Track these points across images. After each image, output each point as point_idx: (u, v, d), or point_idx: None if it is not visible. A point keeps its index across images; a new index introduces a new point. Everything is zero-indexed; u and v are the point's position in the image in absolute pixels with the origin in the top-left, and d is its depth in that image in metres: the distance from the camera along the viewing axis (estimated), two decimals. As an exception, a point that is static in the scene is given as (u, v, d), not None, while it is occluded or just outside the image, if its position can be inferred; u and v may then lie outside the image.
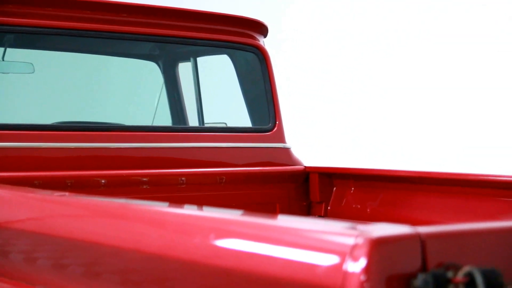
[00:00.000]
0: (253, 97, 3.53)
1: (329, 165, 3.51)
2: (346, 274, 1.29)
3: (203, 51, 3.64)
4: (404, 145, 5.58)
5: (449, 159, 5.29)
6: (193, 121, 3.78)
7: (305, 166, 3.43)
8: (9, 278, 2.22)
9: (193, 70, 3.69)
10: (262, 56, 3.43)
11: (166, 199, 2.97)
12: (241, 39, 3.38)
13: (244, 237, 1.57)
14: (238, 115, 3.62)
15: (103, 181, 2.86)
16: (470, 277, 1.30)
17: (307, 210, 3.40)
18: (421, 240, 1.34)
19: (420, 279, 1.30)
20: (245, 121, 3.51)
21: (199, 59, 3.69)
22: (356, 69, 5.90)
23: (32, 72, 3.71)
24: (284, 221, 1.84)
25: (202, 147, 3.21)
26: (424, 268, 1.33)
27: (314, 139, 6.03)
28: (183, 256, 1.66)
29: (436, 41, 5.43)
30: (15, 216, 2.28)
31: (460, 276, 1.31)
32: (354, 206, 3.29)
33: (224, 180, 3.17)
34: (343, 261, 1.31)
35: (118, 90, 6.60)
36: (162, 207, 2.17)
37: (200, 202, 3.06)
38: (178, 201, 2.97)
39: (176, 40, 3.29)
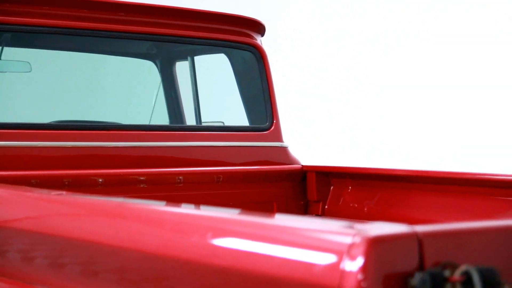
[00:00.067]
0: (251, 96, 3.53)
1: (326, 164, 3.51)
2: (343, 273, 1.30)
3: (200, 50, 3.64)
4: (401, 144, 5.59)
5: (446, 157, 5.29)
6: (190, 120, 3.77)
7: (302, 165, 3.43)
8: (7, 277, 2.21)
9: (190, 69, 3.69)
10: (259, 55, 3.43)
11: (164, 198, 2.96)
12: (238, 38, 3.38)
13: (241, 236, 1.57)
14: (236, 114, 3.62)
15: (100, 180, 2.85)
16: (467, 276, 1.31)
17: (304, 209, 3.41)
18: (418, 239, 1.34)
19: (417, 278, 1.30)
20: (243, 120, 3.51)
21: (196, 58, 3.69)
22: (353, 67, 5.90)
23: (29, 71, 3.71)
24: (282, 220, 1.84)
25: (200, 146, 3.21)
26: (421, 267, 1.33)
27: (311, 138, 6.03)
28: (181, 255, 1.66)
29: (434, 40, 5.43)
30: (12, 215, 2.28)
31: (457, 275, 1.31)
32: (351, 205, 3.29)
33: (221, 179, 3.17)
34: (340, 260, 1.31)
35: (115, 89, 6.60)
36: (160, 206, 2.17)
37: (198, 201, 3.06)
38: (175, 200, 2.97)
39: (174, 39, 3.29)
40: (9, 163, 2.72)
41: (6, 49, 3.09)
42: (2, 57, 3.19)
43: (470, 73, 5.25)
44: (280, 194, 3.34)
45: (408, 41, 5.57)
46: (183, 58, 3.75)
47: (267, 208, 3.29)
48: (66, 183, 2.77)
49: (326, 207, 3.36)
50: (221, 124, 3.48)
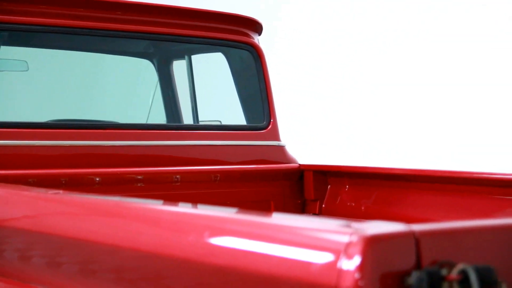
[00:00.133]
0: (248, 95, 3.53)
1: (323, 163, 3.51)
2: (340, 272, 1.30)
3: (197, 49, 3.64)
4: (398, 143, 5.59)
5: (443, 156, 5.30)
6: (187, 119, 3.77)
7: (299, 164, 3.43)
8: (4, 277, 2.21)
9: (187, 68, 3.69)
10: (256, 54, 3.43)
11: (161, 197, 2.97)
12: (235, 37, 3.38)
13: (238, 235, 1.57)
14: (233, 113, 3.62)
15: (97, 179, 2.85)
16: (464, 275, 1.31)
17: (301, 208, 3.41)
18: (415, 238, 1.34)
19: (414, 277, 1.30)
20: (240, 119, 3.51)
21: (193, 57, 3.69)
22: (350, 66, 5.90)
23: (26, 70, 3.71)
24: (279, 219, 1.84)
25: (197, 145, 3.21)
26: (418, 265, 1.33)
27: (308, 137, 6.03)
28: (178, 254, 1.66)
29: (433, 39, 5.43)
30: (9, 214, 2.28)
31: (454, 273, 1.31)
32: (348, 204, 3.29)
33: (218, 178, 3.17)
34: (337, 259, 1.31)
35: (112, 88, 6.59)
36: (157, 205, 2.17)
37: (195, 200, 3.06)
38: (172, 199, 2.97)
39: (171, 38, 3.28)
40: (6, 162, 2.72)
41: (3, 48, 3.09)
42: (-1, 56, 3.19)
43: (469, 72, 5.25)
44: (277, 193, 3.34)
45: (407, 40, 5.58)
46: (181, 57, 3.75)
47: (264, 207, 3.29)
48: (63, 182, 2.77)
49: (323, 206, 3.37)
50: (218, 123, 3.48)
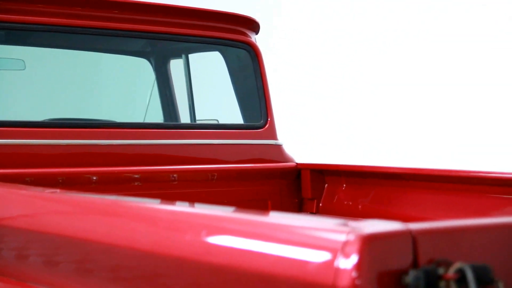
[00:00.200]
0: (245, 94, 3.53)
1: (320, 161, 3.51)
2: (337, 271, 1.30)
3: (194, 47, 3.64)
4: (398, 143, 5.59)
5: (443, 156, 5.30)
6: (184, 118, 3.77)
7: (296, 163, 3.43)
8: (1, 275, 2.21)
9: (184, 67, 3.69)
10: (253, 53, 3.43)
11: (158, 196, 2.97)
12: (232, 36, 3.37)
13: (235, 234, 1.57)
14: (230, 112, 3.62)
15: (94, 178, 2.85)
16: (461, 274, 1.31)
17: (298, 206, 3.41)
18: (413, 237, 1.34)
19: (411, 276, 1.30)
20: (237, 118, 3.51)
21: (190, 56, 3.69)
22: (349, 66, 5.90)
23: (23, 69, 3.71)
24: (276, 218, 1.84)
25: (194, 144, 3.20)
26: (415, 264, 1.33)
27: (307, 137, 6.03)
28: (175, 253, 1.66)
29: (432, 39, 5.43)
30: (6, 213, 2.28)
31: (451, 272, 1.31)
32: (345, 202, 3.29)
33: (215, 177, 3.17)
34: (334, 257, 1.31)
35: (109, 87, 6.59)
36: (154, 204, 2.17)
37: (192, 199, 3.06)
38: (169, 198, 2.97)
39: (168, 37, 3.28)
40: (3, 161, 2.72)
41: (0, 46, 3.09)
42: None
43: (469, 72, 5.25)
44: (274, 192, 3.34)
45: (406, 40, 5.58)
46: (178, 56, 3.75)
47: (262, 205, 3.29)
48: (60, 181, 2.77)
49: (320, 204, 3.37)
50: (215, 122, 3.48)
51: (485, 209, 2.82)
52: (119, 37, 3.26)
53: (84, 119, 3.34)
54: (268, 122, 3.42)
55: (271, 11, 6.22)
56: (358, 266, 1.28)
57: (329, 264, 1.31)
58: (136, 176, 2.96)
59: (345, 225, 1.37)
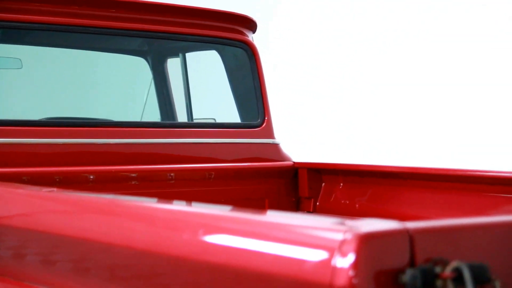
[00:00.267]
0: (242, 93, 3.53)
1: (318, 161, 3.51)
2: (334, 270, 1.30)
3: (192, 46, 3.64)
4: (397, 142, 5.59)
5: (442, 155, 5.30)
6: (182, 117, 3.77)
7: (294, 162, 3.43)
8: (-3, 274, 2.21)
9: (182, 66, 3.69)
10: (251, 52, 3.43)
11: (155, 195, 2.97)
12: (230, 35, 3.37)
13: (233, 233, 1.57)
14: (227, 111, 3.62)
15: (91, 177, 2.85)
16: (458, 272, 1.31)
17: (296, 205, 3.41)
18: (410, 236, 1.34)
19: (408, 274, 1.31)
20: (234, 117, 3.51)
21: (188, 55, 3.69)
22: (349, 66, 5.90)
23: (20, 68, 3.70)
24: (273, 216, 1.84)
25: (191, 142, 3.20)
26: (412, 263, 1.33)
27: (306, 136, 6.03)
28: (172, 252, 1.66)
29: (431, 39, 5.43)
30: (3, 212, 2.28)
31: (448, 271, 1.31)
32: (343, 201, 3.29)
33: (213, 175, 3.17)
34: (331, 256, 1.31)
35: (106, 86, 6.58)
36: (151, 203, 2.17)
37: (189, 198, 3.06)
38: (167, 197, 2.97)
39: (165, 36, 3.28)
40: (0, 160, 2.71)
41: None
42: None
43: (469, 72, 5.25)
44: (271, 191, 3.34)
45: (406, 40, 5.58)
46: (175, 54, 3.75)
47: (259, 205, 3.29)
48: (57, 180, 2.77)
49: (317, 203, 3.37)
50: (212, 121, 3.48)
51: (482, 208, 2.82)
52: (116, 36, 3.26)
53: (81, 118, 3.34)
54: (265, 121, 3.42)
55: (271, 11, 6.22)
56: (355, 265, 1.28)
57: (326, 263, 1.31)
58: (133, 175, 2.96)
59: (342, 224, 1.37)
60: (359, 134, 5.81)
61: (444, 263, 1.32)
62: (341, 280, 1.28)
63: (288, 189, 3.39)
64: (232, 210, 2.11)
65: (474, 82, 5.22)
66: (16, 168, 2.71)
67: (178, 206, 2.22)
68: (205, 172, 3.16)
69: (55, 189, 2.43)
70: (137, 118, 4.01)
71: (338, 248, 1.31)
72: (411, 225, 1.36)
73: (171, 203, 2.41)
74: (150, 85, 3.85)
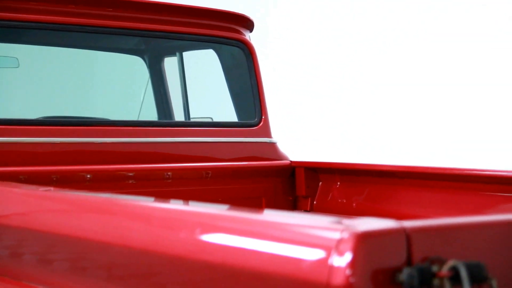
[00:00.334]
0: (239, 92, 3.53)
1: (315, 159, 3.51)
2: (331, 269, 1.30)
3: (189, 45, 3.64)
4: (393, 141, 5.60)
5: (438, 154, 5.31)
6: (179, 116, 3.77)
7: (291, 161, 3.43)
8: (-6, 274, 2.21)
9: (179, 65, 3.69)
10: (248, 51, 3.43)
11: (152, 194, 2.96)
12: (227, 34, 3.37)
13: (230, 232, 1.57)
14: (224, 110, 3.62)
15: (88, 176, 2.85)
16: (455, 271, 1.31)
17: (293, 204, 3.41)
18: (407, 234, 1.34)
19: (405, 273, 1.31)
20: (231, 116, 3.51)
21: (185, 54, 3.69)
22: (348, 66, 5.90)
23: (17, 67, 3.70)
24: (270, 215, 1.84)
25: (188, 141, 3.20)
26: (409, 262, 1.34)
27: (303, 135, 6.03)
28: (169, 251, 1.66)
29: (430, 39, 5.44)
30: (0, 211, 2.27)
31: (445, 270, 1.31)
32: (340, 200, 3.29)
33: (210, 174, 3.17)
34: (328, 255, 1.31)
35: (104, 85, 6.58)
36: (148, 202, 2.17)
37: (186, 197, 3.06)
38: (164, 196, 2.97)
39: (162, 35, 3.28)
40: (-3, 159, 2.71)
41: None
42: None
43: (468, 72, 5.26)
44: (268, 190, 3.34)
45: (406, 40, 5.58)
46: (172, 53, 3.74)
47: (256, 203, 3.29)
48: (54, 179, 2.77)
49: (314, 202, 3.37)
50: (209, 120, 3.48)
51: (479, 207, 2.82)
52: (113, 35, 3.25)
53: (78, 117, 3.34)
54: (262, 120, 3.42)
55: (270, 10, 6.22)
56: (352, 264, 1.28)
57: (323, 262, 1.31)
58: (130, 174, 2.96)
59: (339, 223, 1.37)
60: (357, 134, 5.81)
61: (441, 262, 1.33)
62: (338, 279, 1.28)
63: (285, 188, 3.39)
64: (229, 209, 2.11)
65: (473, 82, 5.23)
66: (13, 167, 2.71)
67: (175, 205, 2.22)
68: (202, 171, 3.15)
69: (52, 188, 2.42)
70: (134, 117, 4.01)
71: (335, 247, 1.31)
72: (408, 224, 1.36)
73: (168, 202, 2.41)
74: (147, 84, 3.85)
